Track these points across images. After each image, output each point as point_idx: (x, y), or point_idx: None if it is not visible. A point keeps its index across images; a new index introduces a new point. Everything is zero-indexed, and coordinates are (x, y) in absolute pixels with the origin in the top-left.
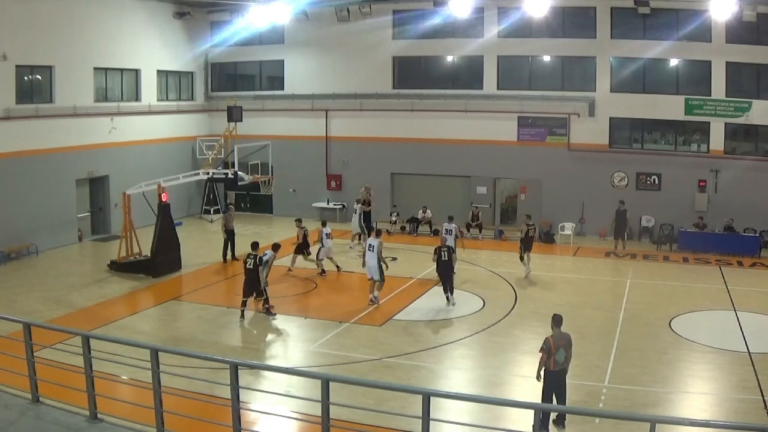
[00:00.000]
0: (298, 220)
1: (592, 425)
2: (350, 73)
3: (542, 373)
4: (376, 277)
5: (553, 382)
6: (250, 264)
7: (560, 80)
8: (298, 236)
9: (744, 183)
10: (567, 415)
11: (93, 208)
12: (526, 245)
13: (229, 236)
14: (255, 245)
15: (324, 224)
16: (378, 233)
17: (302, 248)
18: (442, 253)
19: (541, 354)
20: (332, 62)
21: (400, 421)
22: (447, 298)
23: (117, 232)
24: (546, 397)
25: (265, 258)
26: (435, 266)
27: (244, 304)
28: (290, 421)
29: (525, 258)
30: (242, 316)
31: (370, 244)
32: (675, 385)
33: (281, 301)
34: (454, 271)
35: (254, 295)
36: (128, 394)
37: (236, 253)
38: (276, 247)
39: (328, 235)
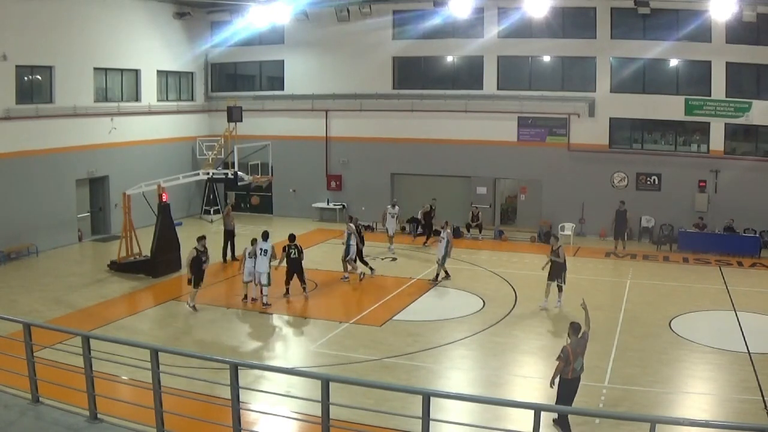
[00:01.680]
0: (201, 238)
1: (592, 425)
2: (350, 73)
3: (557, 380)
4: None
5: (569, 389)
6: (294, 254)
7: (560, 80)
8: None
9: (744, 183)
10: (571, 416)
11: (93, 208)
12: (557, 271)
13: (228, 236)
14: (292, 237)
15: (253, 242)
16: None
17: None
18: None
19: (558, 362)
20: (332, 62)
21: (400, 421)
22: (287, 290)
23: (117, 233)
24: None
25: (266, 247)
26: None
27: (287, 291)
28: (290, 421)
29: (558, 286)
30: (287, 292)
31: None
32: (675, 385)
33: (281, 301)
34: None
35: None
36: (128, 394)
37: (236, 253)
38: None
39: (251, 254)
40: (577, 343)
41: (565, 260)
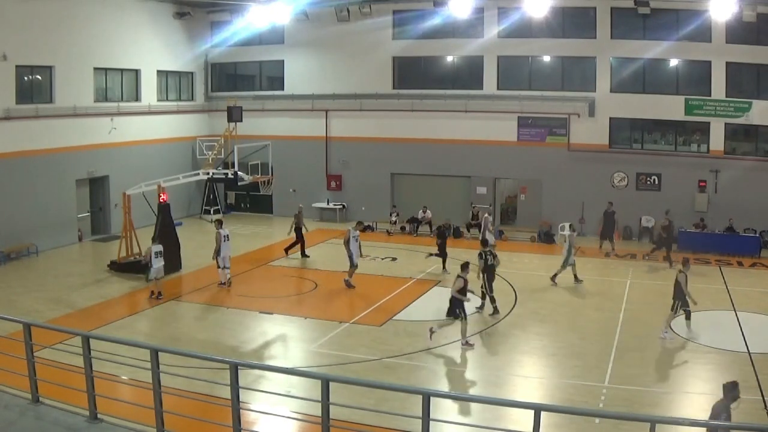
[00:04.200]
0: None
1: (592, 425)
2: (350, 73)
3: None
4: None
5: None
6: (491, 261)
7: (560, 80)
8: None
9: (744, 183)
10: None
11: (93, 208)
12: (679, 296)
13: (298, 234)
14: (485, 242)
15: (154, 240)
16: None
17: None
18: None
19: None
20: (332, 62)
21: (400, 421)
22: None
23: (117, 232)
24: None
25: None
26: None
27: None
28: (290, 421)
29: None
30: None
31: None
32: (675, 385)
33: (281, 301)
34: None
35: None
36: (128, 394)
37: (289, 252)
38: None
39: (158, 254)
40: (720, 406)
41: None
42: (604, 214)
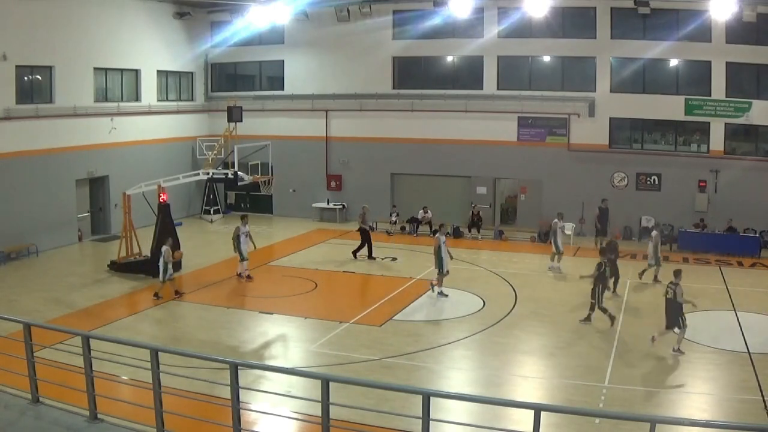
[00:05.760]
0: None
1: (592, 425)
2: (350, 73)
3: None
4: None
5: None
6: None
7: (560, 80)
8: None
9: (744, 183)
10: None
11: (93, 208)
12: None
13: (365, 235)
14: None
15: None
16: None
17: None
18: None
19: None
20: (332, 62)
21: (400, 421)
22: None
23: (117, 232)
24: None
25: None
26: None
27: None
28: (290, 421)
29: None
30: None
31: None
32: (675, 385)
33: (281, 301)
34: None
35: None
36: (128, 394)
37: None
38: None
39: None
40: None
41: None
42: (599, 210)
